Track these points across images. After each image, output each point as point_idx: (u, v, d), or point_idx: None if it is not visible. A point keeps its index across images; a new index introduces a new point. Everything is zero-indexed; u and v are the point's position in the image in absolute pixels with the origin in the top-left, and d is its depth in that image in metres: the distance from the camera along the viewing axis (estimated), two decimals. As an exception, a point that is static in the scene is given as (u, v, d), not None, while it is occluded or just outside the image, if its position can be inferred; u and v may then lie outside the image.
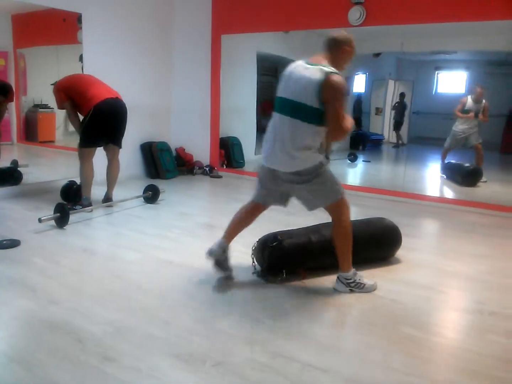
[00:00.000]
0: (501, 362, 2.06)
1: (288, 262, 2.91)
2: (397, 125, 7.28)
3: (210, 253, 2.85)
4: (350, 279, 2.74)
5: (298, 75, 2.56)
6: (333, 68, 2.50)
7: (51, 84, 4.42)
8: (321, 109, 2.47)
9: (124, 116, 4.35)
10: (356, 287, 2.74)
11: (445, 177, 6.29)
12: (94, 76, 4.46)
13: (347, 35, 2.66)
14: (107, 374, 1.87)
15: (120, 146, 4.47)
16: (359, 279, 2.75)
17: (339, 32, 2.68)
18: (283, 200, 2.86)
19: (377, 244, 3.21)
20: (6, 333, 2.22)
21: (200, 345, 2.11)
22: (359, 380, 1.89)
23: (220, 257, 2.85)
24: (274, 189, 2.78)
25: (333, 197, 2.66)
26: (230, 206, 4.87)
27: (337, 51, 2.63)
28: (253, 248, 3.00)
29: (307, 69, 2.54)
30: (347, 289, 2.74)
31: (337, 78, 2.45)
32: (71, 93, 4.19)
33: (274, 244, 2.87)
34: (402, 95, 7.14)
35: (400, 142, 7.35)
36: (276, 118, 2.65)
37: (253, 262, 2.99)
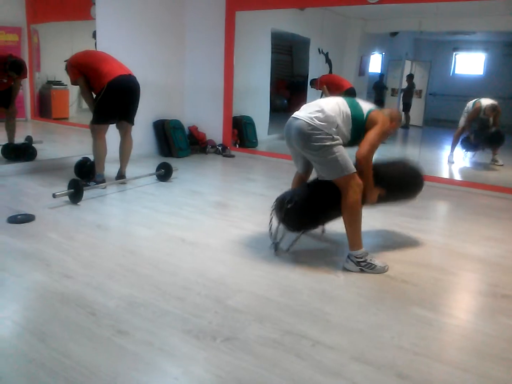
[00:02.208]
0: (512, 345, 2.05)
1: (306, 219, 2.89)
2: (406, 107, 7.18)
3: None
4: (361, 257, 2.73)
5: None
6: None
7: (65, 61, 4.41)
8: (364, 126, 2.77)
9: (137, 93, 4.33)
10: (366, 267, 2.73)
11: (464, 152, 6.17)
12: (107, 53, 4.44)
13: None
14: (119, 346, 1.90)
15: (132, 123, 4.47)
16: (370, 259, 2.75)
17: None
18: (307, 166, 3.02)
19: (399, 187, 3.09)
20: (21, 305, 2.26)
21: (210, 321, 2.13)
22: (368, 359, 1.90)
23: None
24: (297, 155, 2.97)
25: (341, 172, 2.68)
26: (242, 186, 4.92)
27: None
28: (272, 208, 2.95)
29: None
30: (358, 268, 2.73)
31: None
32: (84, 69, 4.18)
33: (290, 205, 2.79)
34: (410, 77, 7.01)
35: (408, 123, 7.28)
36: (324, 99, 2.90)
37: (270, 222, 2.96)
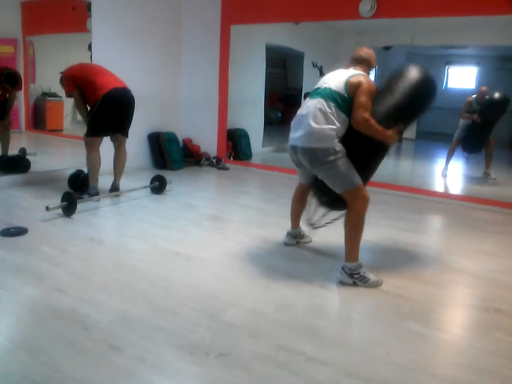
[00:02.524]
0: (507, 360, 2.05)
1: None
2: None
3: (286, 244, 3.37)
4: (355, 270, 2.73)
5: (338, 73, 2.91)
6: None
7: (60, 73, 4.42)
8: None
9: (132, 106, 4.35)
10: (359, 280, 2.72)
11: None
12: (102, 66, 4.46)
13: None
14: (112, 362, 1.89)
15: (127, 136, 4.48)
16: (364, 272, 2.74)
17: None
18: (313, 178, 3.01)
19: (411, 108, 2.89)
20: (13, 320, 2.24)
21: (204, 336, 2.12)
22: (362, 374, 1.89)
23: (296, 241, 3.39)
24: (302, 167, 3.00)
25: (346, 186, 2.72)
26: (237, 199, 4.92)
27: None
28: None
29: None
30: (351, 280, 2.73)
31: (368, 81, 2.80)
32: (79, 82, 4.19)
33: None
34: None
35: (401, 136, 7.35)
36: (307, 103, 2.87)
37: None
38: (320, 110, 2.73)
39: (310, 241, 3.45)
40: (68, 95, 4.30)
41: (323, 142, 2.68)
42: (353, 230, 2.75)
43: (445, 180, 6.32)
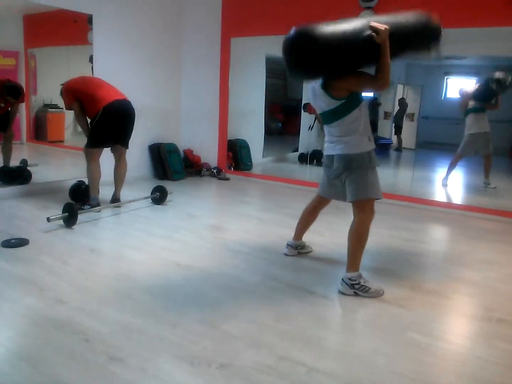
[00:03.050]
0: (509, 369, 2.04)
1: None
2: (398, 129, 7.33)
3: (287, 255, 3.35)
4: (355, 280, 2.72)
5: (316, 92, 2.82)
6: None
7: (61, 85, 4.45)
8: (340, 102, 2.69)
9: (132, 118, 4.38)
10: (360, 289, 2.72)
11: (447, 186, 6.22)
12: (102, 79, 4.49)
13: None
14: (113, 373, 1.88)
15: (127, 147, 4.50)
16: (364, 282, 2.74)
17: None
18: (332, 192, 3.05)
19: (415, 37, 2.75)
20: (13, 331, 2.23)
21: (205, 347, 2.11)
22: (364, 385, 1.88)
23: (297, 252, 3.36)
24: (327, 179, 3.03)
25: (359, 195, 2.78)
26: (237, 209, 4.92)
27: None
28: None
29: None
30: (352, 291, 2.72)
31: None
32: (80, 95, 4.23)
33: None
34: (401, 100, 7.17)
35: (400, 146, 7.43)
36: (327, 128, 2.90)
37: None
38: (336, 127, 2.78)
39: (311, 251, 3.45)
40: (68, 107, 4.33)
41: (351, 148, 2.75)
42: (357, 239, 2.77)
43: (445, 189, 6.33)
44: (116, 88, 4.39)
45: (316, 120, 6.82)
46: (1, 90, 4.90)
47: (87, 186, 4.41)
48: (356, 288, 2.72)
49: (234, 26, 6.18)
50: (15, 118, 5.24)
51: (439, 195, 6.11)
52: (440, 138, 7.01)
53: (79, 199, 4.38)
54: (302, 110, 7.05)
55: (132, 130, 4.45)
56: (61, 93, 4.37)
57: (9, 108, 5.08)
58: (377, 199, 2.83)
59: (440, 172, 6.54)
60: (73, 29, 5.73)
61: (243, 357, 2.04)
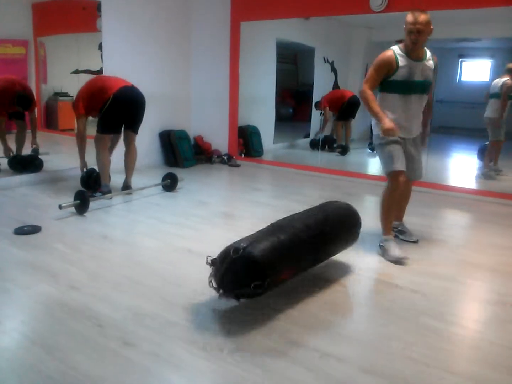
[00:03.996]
0: (525, 355, 2.01)
1: (266, 271, 2.18)
2: None
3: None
4: (381, 242, 3.14)
5: None
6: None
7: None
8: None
9: (142, 103, 4.36)
10: (381, 250, 3.12)
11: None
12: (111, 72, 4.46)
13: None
14: (126, 358, 1.89)
15: (136, 132, 4.49)
16: (384, 243, 3.10)
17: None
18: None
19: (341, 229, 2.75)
20: (27, 317, 2.25)
21: (217, 332, 2.11)
22: (377, 370, 1.87)
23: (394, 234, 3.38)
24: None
25: (384, 169, 3.16)
26: (249, 195, 4.90)
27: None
28: (211, 266, 2.25)
29: None
30: (380, 250, 3.15)
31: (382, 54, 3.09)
32: (88, 94, 4.22)
33: (240, 253, 2.16)
34: None
35: None
36: None
37: (212, 285, 2.23)
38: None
39: (416, 241, 3.43)
40: (78, 116, 4.30)
41: (376, 129, 3.15)
42: (381, 206, 3.19)
43: (458, 174, 6.23)
44: (123, 79, 4.37)
45: (323, 116, 6.83)
46: (12, 98, 4.80)
47: (98, 173, 4.41)
48: (380, 248, 3.12)
49: (243, 10, 6.10)
50: (36, 124, 5.22)
51: (452, 180, 6.03)
52: (455, 122, 6.89)
53: (91, 187, 4.39)
54: (314, 95, 6.96)
55: (142, 116, 4.43)
56: (73, 105, 4.35)
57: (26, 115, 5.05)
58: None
59: (453, 156, 6.43)
60: (82, 16, 5.71)
61: (255, 342, 2.04)
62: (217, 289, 2.19)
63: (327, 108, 6.76)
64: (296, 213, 2.69)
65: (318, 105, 6.86)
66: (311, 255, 2.50)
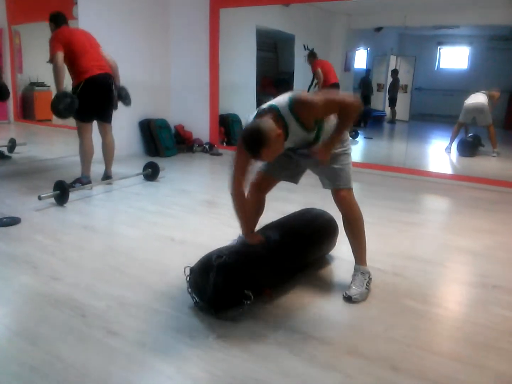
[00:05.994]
0: (506, 334, 2.06)
1: (248, 281, 2.19)
2: (392, 101, 7.24)
3: None
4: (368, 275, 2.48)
5: None
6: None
7: (47, 62, 4.30)
8: None
9: (110, 93, 4.22)
10: (367, 284, 2.43)
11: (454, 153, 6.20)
12: (91, 37, 4.25)
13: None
14: (111, 347, 1.87)
15: (109, 122, 4.37)
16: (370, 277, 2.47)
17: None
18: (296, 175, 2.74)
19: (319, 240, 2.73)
20: (9, 309, 2.22)
21: (203, 319, 2.11)
22: (361, 352, 1.89)
23: None
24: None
25: (346, 183, 2.39)
26: (231, 183, 4.88)
27: None
28: (188, 279, 2.25)
29: None
30: (364, 288, 2.40)
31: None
32: (66, 51, 3.94)
33: (222, 261, 2.18)
34: (394, 72, 7.06)
35: (394, 118, 7.36)
36: None
37: (192, 296, 2.23)
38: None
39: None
40: (52, 57, 3.93)
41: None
42: (360, 228, 2.43)
43: (438, 159, 6.32)
44: (100, 56, 4.18)
45: (315, 80, 6.43)
46: None
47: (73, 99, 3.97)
48: (367, 285, 2.44)
49: (223, -4, 6.03)
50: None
51: (433, 166, 6.12)
52: (433, 110, 6.97)
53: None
54: (295, 83, 6.91)
55: (112, 105, 4.29)
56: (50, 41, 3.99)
57: None
58: None
59: (433, 143, 6.52)
60: (58, 4, 5.56)
61: (240, 328, 2.04)
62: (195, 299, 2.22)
63: (319, 70, 6.49)
64: (274, 221, 2.73)
65: (312, 60, 6.45)
66: (288, 266, 2.48)
